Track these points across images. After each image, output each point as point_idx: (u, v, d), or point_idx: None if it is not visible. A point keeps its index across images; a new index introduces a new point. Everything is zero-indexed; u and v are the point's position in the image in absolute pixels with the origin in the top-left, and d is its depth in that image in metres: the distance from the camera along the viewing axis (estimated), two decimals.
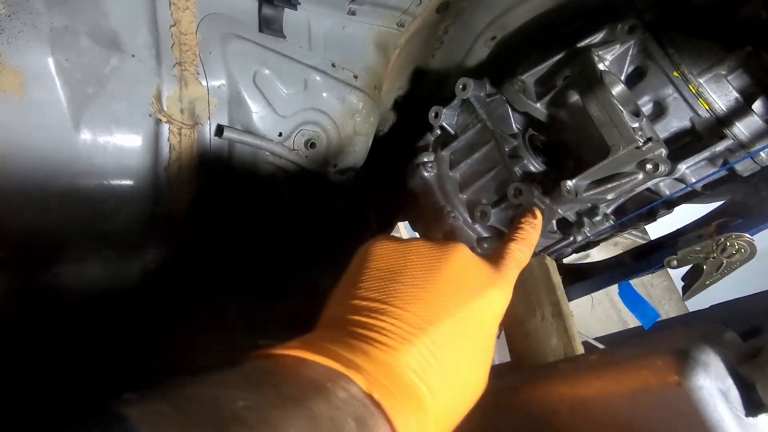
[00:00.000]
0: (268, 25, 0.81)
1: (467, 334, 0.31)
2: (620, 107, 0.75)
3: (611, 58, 0.87)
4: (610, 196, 0.84)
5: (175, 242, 0.84)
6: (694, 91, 0.81)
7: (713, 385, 0.26)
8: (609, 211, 0.98)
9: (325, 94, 0.88)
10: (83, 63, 0.64)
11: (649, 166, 0.76)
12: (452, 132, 1.01)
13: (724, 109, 0.81)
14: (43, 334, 0.71)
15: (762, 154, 0.80)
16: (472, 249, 0.99)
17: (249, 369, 0.29)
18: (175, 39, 0.71)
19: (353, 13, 0.86)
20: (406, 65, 1.12)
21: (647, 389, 0.29)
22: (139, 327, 0.81)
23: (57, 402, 0.68)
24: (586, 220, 0.94)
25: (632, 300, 1.02)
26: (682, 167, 0.87)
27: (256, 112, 0.81)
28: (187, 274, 0.87)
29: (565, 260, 1.23)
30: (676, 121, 0.86)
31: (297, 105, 0.85)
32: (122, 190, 0.71)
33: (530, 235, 0.54)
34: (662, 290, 3.61)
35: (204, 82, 0.75)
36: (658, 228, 1.12)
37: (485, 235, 0.99)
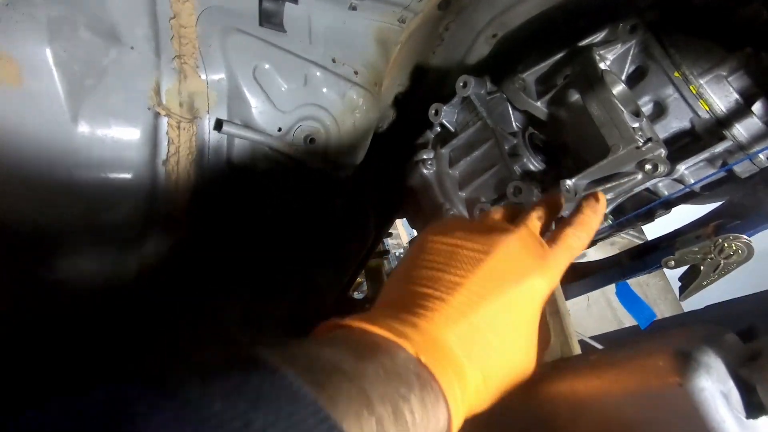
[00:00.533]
0: (269, 19, 0.80)
1: (507, 318, 0.37)
2: (620, 107, 0.75)
3: (612, 58, 0.87)
4: (609, 196, 0.84)
5: (173, 237, 0.83)
6: (694, 91, 0.81)
7: (715, 386, 0.26)
8: (607, 210, 0.98)
9: (325, 90, 0.87)
10: (81, 54, 0.63)
11: (648, 167, 0.76)
12: (452, 129, 1.01)
13: (724, 110, 0.81)
14: (39, 328, 0.71)
15: (761, 155, 0.80)
16: None
17: (328, 336, 0.35)
18: (174, 32, 0.71)
19: (354, 8, 0.85)
20: (407, 62, 1.11)
21: (648, 390, 0.29)
22: (136, 322, 0.81)
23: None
24: None
25: (629, 300, 1.03)
26: (681, 168, 0.87)
27: (256, 106, 0.81)
28: (184, 269, 0.87)
29: None
30: (676, 121, 0.86)
31: (297, 100, 0.85)
32: (120, 184, 0.71)
33: (590, 220, 0.52)
34: (658, 290, 3.63)
35: (203, 76, 0.74)
36: (656, 228, 1.13)
37: None
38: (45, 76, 0.61)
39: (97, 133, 0.67)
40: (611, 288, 1.11)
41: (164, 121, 0.73)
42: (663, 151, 0.75)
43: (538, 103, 0.91)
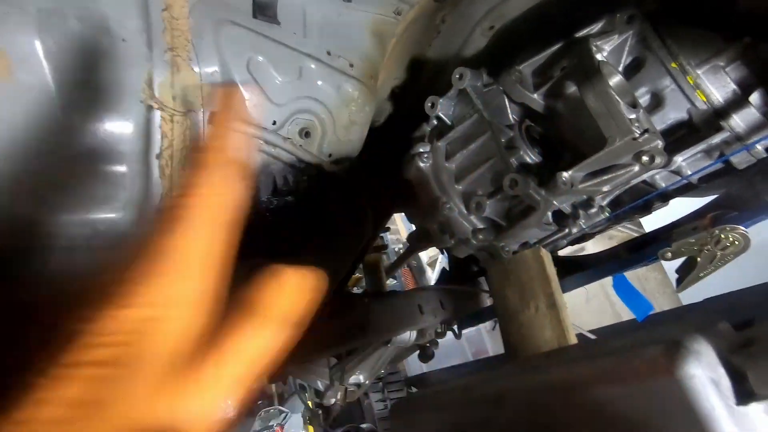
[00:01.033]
0: (263, 11, 0.79)
1: None
2: (617, 98, 0.75)
3: (609, 49, 0.87)
4: (606, 188, 0.84)
5: None
6: (692, 82, 0.81)
7: (705, 374, 0.26)
8: (605, 203, 0.98)
9: (320, 83, 0.87)
10: (72, 47, 0.63)
11: (645, 158, 0.75)
12: (449, 122, 1.01)
13: (721, 100, 0.81)
14: (33, 324, 0.71)
15: (758, 146, 0.80)
16: (467, 240, 0.99)
17: None
18: (166, 24, 0.70)
19: (349, 0, 0.85)
20: (403, 54, 1.10)
21: (639, 378, 0.28)
22: None
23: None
24: (581, 212, 0.94)
25: (626, 292, 1.03)
26: (678, 159, 0.87)
27: (250, 99, 0.80)
28: None
29: (561, 252, 1.24)
30: (674, 112, 0.85)
31: (291, 93, 0.84)
32: (113, 178, 0.70)
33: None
34: (656, 284, 3.64)
35: (196, 69, 0.74)
36: (654, 221, 1.13)
37: (480, 226, 0.99)
38: (35, 68, 0.60)
39: (89, 126, 0.66)
40: (610, 281, 1.11)
41: (157, 115, 0.72)
42: (660, 143, 0.75)
43: (535, 95, 0.91)
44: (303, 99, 0.86)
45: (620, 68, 0.87)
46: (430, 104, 1.00)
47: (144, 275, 0.32)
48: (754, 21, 0.77)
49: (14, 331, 0.64)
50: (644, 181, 0.92)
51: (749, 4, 0.77)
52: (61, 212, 0.70)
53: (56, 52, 0.61)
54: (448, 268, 1.59)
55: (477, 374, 0.52)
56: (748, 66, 0.79)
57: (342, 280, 1.22)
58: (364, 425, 3.78)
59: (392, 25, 0.94)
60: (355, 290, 2.69)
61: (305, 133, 0.89)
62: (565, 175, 0.81)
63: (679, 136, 0.87)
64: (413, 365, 4.33)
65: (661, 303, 3.50)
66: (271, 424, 3.56)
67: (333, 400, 1.70)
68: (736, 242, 0.77)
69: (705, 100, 0.81)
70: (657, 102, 0.86)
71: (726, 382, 0.26)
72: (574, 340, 0.83)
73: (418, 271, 4.84)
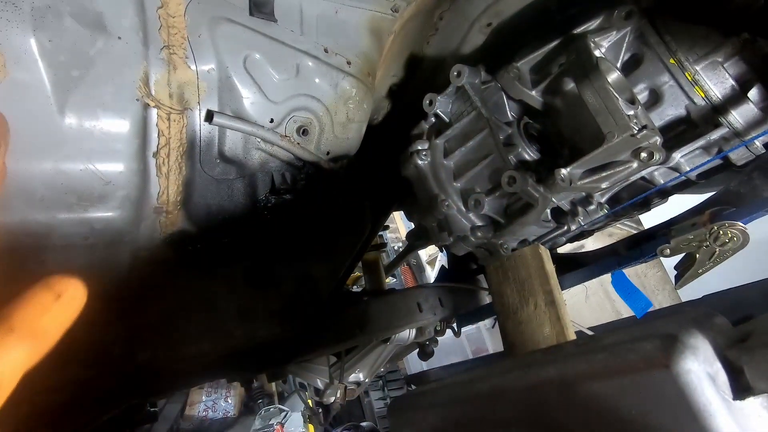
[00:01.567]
0: (259, 9, 0.79)
1: None
2: (616, 94, 0.74)
3: (607, 45, 0.86)
4: (604, 185, 0.84)
5: (165, 230, 0.83)
6: (690, 78, 0.80)
7: (701, 368, 0.26)
8: (603, 200, 0.97)
9: (317, 80, 0.86)
10: (67, 45, 0.62)
11: (643, 155, 0.75)
12: (447, 120, 1.01)
13: (719, 96, 0.81)
14: None
15: (756, 142, 0.79)
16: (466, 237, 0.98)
17: None
18: (162, 21, 0.69)
19: None
20: (401, 52, 1.10)
21: (635, 373, 0.28)
22: (128, 315, 0.80)
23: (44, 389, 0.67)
24: (580, 209, 0.94)
25: (625, 289, 1.03)
26: (677, 156, 0.87)
27: (247, 97, 0.80)
28: (177, 262, 0.86)
29: (560, 250, 1.23)
30: (672, 108, 0.85)
31: (289, 91, 0.84)
32: (109, 176, 0.70)
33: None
34: (656, 281, 3.64)
35: (193, 66, 0.73)
36: (653, 218, 1.12)
37: (479, 223, 0.99)
38: (30, 66, 0.60)
39: (85, 124, 0.66)
40: (609, 279, 1.11)
41: (154, 113, 0.72)
42: (658, 139, 0.75)
43: (533, 92, 0.90)
44: (300, 97, 0.86)
45: (618, 64, 0.87)
46: (428, 102, 1.00)
47: None
48: (750, 17, 0.77)
49: None
50: (643, 178, 0.92)
51: (744, 1, 0.77)
52: (57, 211, 0.69)
53: (51, 50, 0.61)
54: (447, 266, 1.59)
55: (474, 371, 0.51)
56: (746, 62, 0.79)
57: (341, 279, 1.22)
58: (364, 423, 3.79)
59: (389, 22, 0.94)
60: (355, 288, 2.69)
61: (303, 131, 0.88)
62: (564, 171, 0.80)
63: (678, 133, 0.87)
64: (413, 363, 4.34)
65: (660, 300, 3.51)
66: (271, 422, 3.57)
67: (333, 399, 1.71)
68: (735, 238, 0.77)
69: (703, 96, 0.81)
70: (655, 98, 0.86)
71: (723, 377, 0.26)
72: (573, 337, 0.83)
73: (418, 269, 4.85)
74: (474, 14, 1.01)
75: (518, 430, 0.40)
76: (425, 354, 1.68)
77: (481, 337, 4.25)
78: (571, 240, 1.14)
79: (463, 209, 0.98)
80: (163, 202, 0.79)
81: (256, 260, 0.98)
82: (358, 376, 1.70)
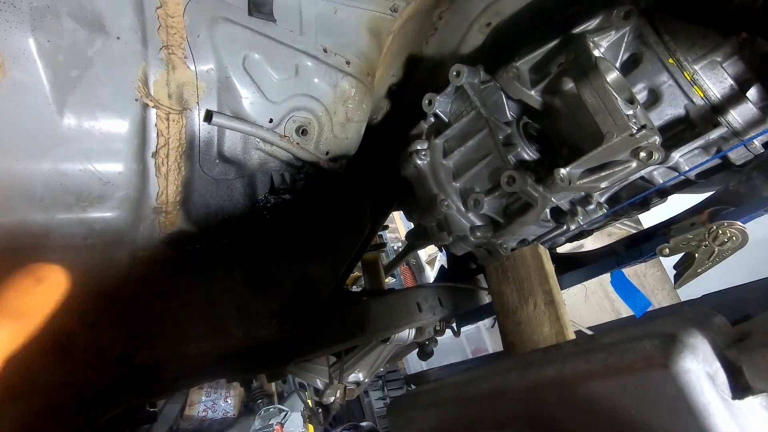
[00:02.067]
0: (258, 8, 0.79)
1: None
2: (615, 94, 0.74)
3: (606, 45, 0.86)
4: (603, 185, 0.84)
5: (164, 230, 0.83)
6: (689, 78, 0.80)
7: (700, 368, 0.26)
8: (602, 199, 0.97)
9: (316, 80, 0.86)
10: (66, 45, 0.62)
11: (642, 154, 0.75)
12: (446, 120, 1.01)
13: (718, 96, 0.81)
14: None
15: (755, 141, 0.79)
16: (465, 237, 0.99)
17: None
18: (161, 21, 0.69)
19: None
20: (400, 52, 1.10)
21: (634, 373, 0.28)
22: (128, 316, 0.80)
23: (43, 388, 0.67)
24: (579, 208, 0.94)
25: (624, 289, 1.03)
26: (676, 155, 0.87)
27: (246, 97, 0.80)
28: (177, 262, 0.86)
29: (559, 249, 1.23)
30: (671, 108, 0.85)
31: (288, 91, 0.84)
32: (108, 177, 0.70)
33: None
34: (655, 280, 3.64)
35: (192, 66, 0.73)
36: (652, 217, 1.13)
37: (478, 223, 0.99)
38: (29, 66, 0.60)
39: (84, 125, 0.66)
40: (609, 278, 1.11)
41: (153, 113, 0.72)
42: (657, 139, 0.75)
43: (532, 92, 0.90)
44: (299, 96, 0.86)
45: (617, 64, 0.87)
46: (427, 101, 1.00)
47: None
48: (748, 16, 0.77)
49: None
50: (642, 178, 0.92)
51: (743, 0, 0.77)
52: (56, 211, 0.69)
53: (50, 50, 0.61)
54: (446, 266, 1.59)
55: (473, 371, 0.51)
56: (745, 61, 0.79)
57: (340, 278, 1.21)
58: (363, 423, 3.79)
59: (389, 22, 0.94)
60: (354, 288, 2.69)
61: (302, 131, 0.88)
62: (563, 171, 0.80)
63: (677, 132, 0.87)
64: (413, 363, 4.34)
65: (660, 299, 3.51)
66: (271, 422, 3.56)
67: (332, 399, 1.70)
68: (734, 238, 0.77)
69: (702, 95, 0.81)
70: (654, 98, 0.86)
71: (722, 376, 0.26)
72: (572, 337, 0.83)
73: (417, 269, 4.84)
74: (473, 14, 1.01)
75: (518, 430, 0.40)
76: (425, 354, 1.68)
77: (481, 336, 4.25)
78: (570, 240, 1.14)
79: (463, 209, 0.98)
80: (162, 202, 0.79)
81: (256, 260, 0.98)
82: (357, 376, 1.70)
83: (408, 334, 1.57)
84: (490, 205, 0.95)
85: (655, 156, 0.74)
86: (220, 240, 0.91)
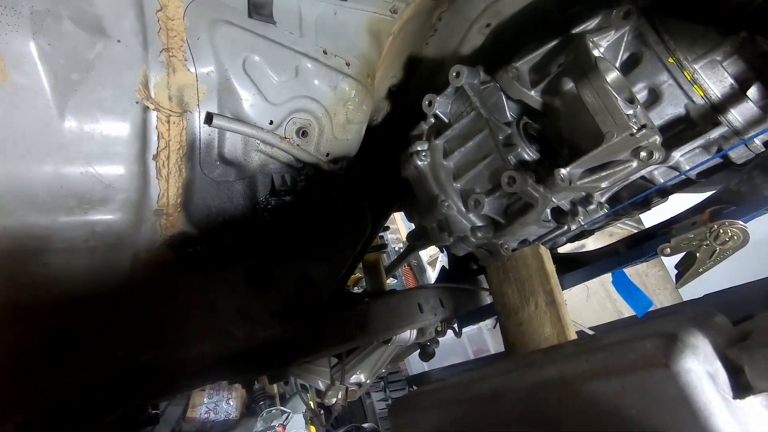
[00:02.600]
0: (258, 11, 0.79)
1: None
2: (615, 94, 0.74)
3: (606, 45, 0.86)
4: (604, 185, 0.83)
5: (165, 232, 0.83)
6: (689, 77, 0.80)
7: (701, 367, 0.26)
8: (603, 199, 0.97)
9: (316, 82, 0.87)
10: (67, 48, 0.62)
11: (643, 154, 0.75)
12: (446, 120, 1.00)
13: (719, 95, 0.80)
14: (32, 323, 0.71)
15: (756, 140, 0.79)
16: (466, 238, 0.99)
17: None
18: (161, 24, 0.70)
19: None
20: (400, 53, 1.10)
21: (635, 372, 0.28)
22: (130, 318, 0.80)
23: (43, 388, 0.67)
24: (580, 208, 0.94)
25: (625, 288, 1.02)
26: (677, 155, 0.87)
27: (246, 99, 0.80)
28: (178, 264, 0.86)
29: (560, 250, 1.23)
30: (671, 108, 0.85)
31: (288, 92, 0.84)
32: (109, 179, 0.70)
33: None
34: (657, 280, 3.63)
35: (192, 69, 0.74)
36: (654, 217, 1.12)
37: (479, 224, 0.99)
38: (30, 70, 0.60)
39: (85, 128, 0.66)
40: (610, 278, 1.11)
41: (153, 116, 0.72)
42: (658, 138, 0.75)
43: (532, 92, 0.90)
44: (300, 98, 0.86)
45: (617, 64, 0.87)
46: (427, 102, 1.00)
47: None
48: (748, 15, 0.77)
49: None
50: (643, 177, 0.92)
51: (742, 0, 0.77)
52: (58, 214, 0.70)
53: (51, 54, 0.61)
54: (448, 267, 1.59)
55: (475, 371, 0.51)
56: (745, 60, 0.79)
57: (341, 279, 1.21)
58: (365, 424, 3.78)
59: (388, 24, 0.94)
60: (356, 289, 2.69)
61: (302, 133, 0.88)
62: (563, 171, 0.80)
63: (677, 132, 0.86)
64: (414, 364, 4.33)
65: (661, 299, 3.50)
66: (273, 424, 3.56)
67: (334, 400, 1.70)
68: (735, 237, 0.77)
69: (702, 95, 0.81)
70: (654, 97, 0.86)
71: (723, 376, 0.26)
72: (574, 337, 0.83)
73: (419, 270, 4.84)
74: (473, 15, 1.01)
75: (519, 430, 0.40)
76: (426, 355, 1.67)
77: (483, 337, 4.25)
78: (571, 240, 1.14)
79: (463, 209, 0.98)
80: (164, 204, 0.79)
81: (257, 261, 0.98)
82: (359, 377, 1.70)
83: (409, 335, 1.57)
84: (490, 206, 0.95)
85: (656, 155, 0.74)
86: (221, 241, 0.92)
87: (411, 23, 1.01)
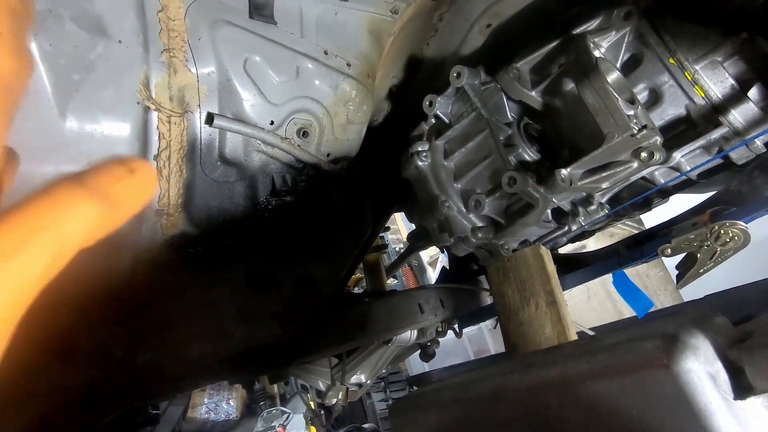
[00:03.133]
0: (259, 11, 0.79)
1: None
2: (615, 95, 0.74)
3: (607, 45, 0.86)
4: (605, 185, 0.84)
5: (166, 233, 0.83)
6: (690, 78, 0.80)
7: (702, 368, 0.26)
8: (604, 200, 0.97)
9: (317, 82, 0.87)
10: (68, 48, 0.63)
11: (643, 155, 0.75)
12: (447, 121, 1.01)
13: (719, 96, 0.80)
14: (31, 324, 0.71)
15: (757, 141, 0.79)
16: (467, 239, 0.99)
17: None
18: (162, 25, 0.70)
19: None
20: (401, 53, 1.10)
21: (636, 373, 0.28)
22: (130, 317, 0.80)
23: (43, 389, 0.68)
24: (580, 209, 0.94)
25: (626, 289, 1.02)
26: (677, 156, 0.87)
27: (247, 99, 0.80)
28: (178, 264, 0.86)
29: (561, 250, 1.23)
30: (672, 108, 0.85)
31: (289, 93, 0.84)
32: None
33: None
34: (658, 281, 3.63)
35: (193, 69, 0.74)
36: (655, 217, 1.12)
37: (480, 224, 0.99)
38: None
39: (86, 128, 0.66)
40: (611, 279, 1.11)
41: (154, 116, 0.72)
42: (658, 139, 0.75)
43: (533, 93, 0.91)
44: (300, 99, 0.86)
45: (618, 65, 0.87)
46: (428, 103, 1.00)
47: None
48: (749, 16, 0.77)
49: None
50: (643, 178, 0.92)
51: (743, 0, 0.77)
52: None
53: (52, 54, 0.61)
54: (448, 267, 1.59)
55: (475, 372, 0.51)
56: (745, 61, 0.79)
57: (342, 280, 1.22)
58: (366, 425, 3.78)
59: (389, 24, 0.94)
60: (356, 290, 2.69)
61: (303, 133, 0.88)
62: (564, 172, 0.80)
63: (678, 132, 0.86)
64: (415, 365, 4.33)
65: (662, 300, 3.50)
66: (273, 424, 3.57)
67: (334, 400, 1.70)
68: (736, 238, 0.77)
69: (703, 95, 0.81)
70: (655, 98, 0.86)
71: (723, 377, 0.26)
72: (574, 338, 0.83)
73: (419, 270, 4.84)
74: (473, 15, 1.01)
75: (519, 431, 0.40)
76: (427, 355, 1.68)
77: (483, 337, 4.25)
78: (572, 240, 1.14)
79: (464, 210, 0.98)
80: (164, 204, 0.79)
81: (257, 262, 0.98)
82: (359, 377, 1.70)
83: (410, 335, 1.57)
84: (491, 206, 0.95)
85: (657, 156, 0.74)
86: (222, 242, 0.92)
87: (412, 24, 1.01)
